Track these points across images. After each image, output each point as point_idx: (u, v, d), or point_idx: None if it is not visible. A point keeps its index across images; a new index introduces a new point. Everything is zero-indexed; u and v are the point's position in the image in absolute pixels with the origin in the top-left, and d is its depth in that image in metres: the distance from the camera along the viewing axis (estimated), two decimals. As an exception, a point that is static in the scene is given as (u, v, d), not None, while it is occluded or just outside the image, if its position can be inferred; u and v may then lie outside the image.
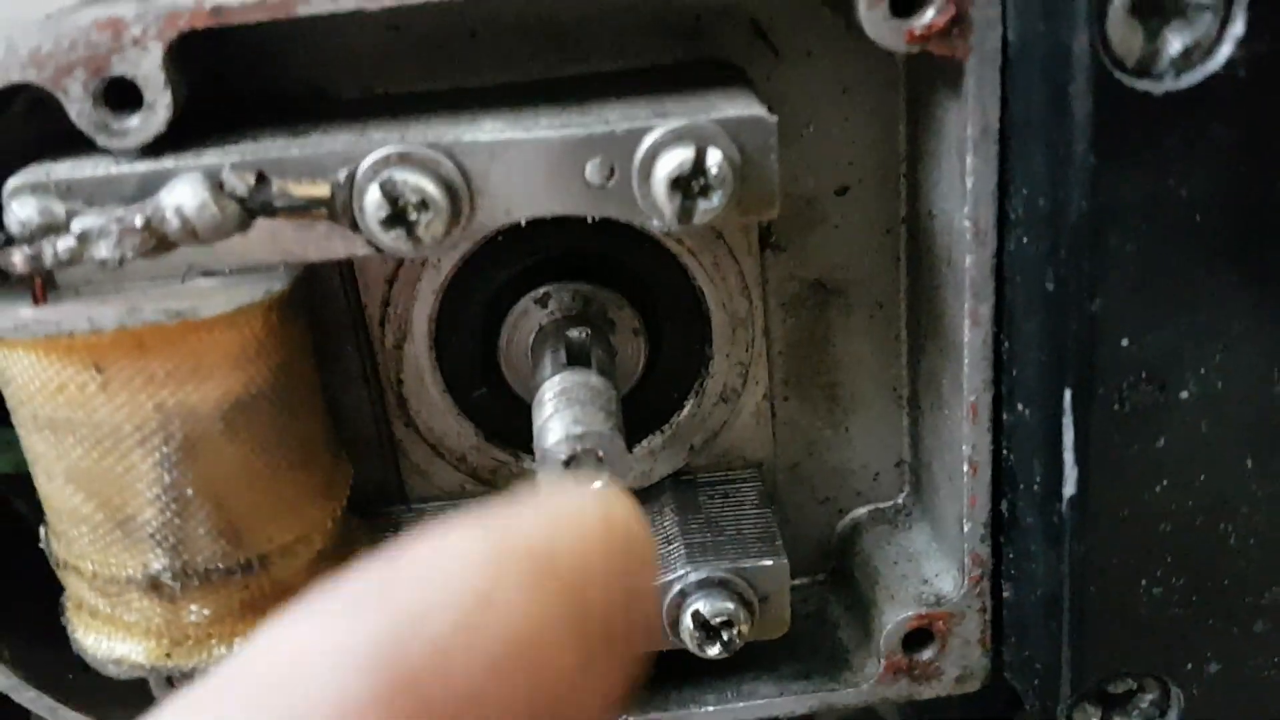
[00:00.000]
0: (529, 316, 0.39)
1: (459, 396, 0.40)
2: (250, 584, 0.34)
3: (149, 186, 0.31)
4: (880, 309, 0.41)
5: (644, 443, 0.41)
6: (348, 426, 0.40)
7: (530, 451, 0.41)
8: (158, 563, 0.33)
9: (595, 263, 0.39)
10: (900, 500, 0.43)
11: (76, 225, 0.30)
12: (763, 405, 0.42)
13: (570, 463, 0.33)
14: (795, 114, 0.37)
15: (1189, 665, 0.35)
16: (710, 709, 0.40)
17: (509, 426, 0.41)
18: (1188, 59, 0.29)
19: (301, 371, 0.35)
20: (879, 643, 0.39)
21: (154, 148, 0.31)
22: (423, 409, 0.40)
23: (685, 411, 0.41)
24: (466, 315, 0.39)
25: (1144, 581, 0.34)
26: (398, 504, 0.43)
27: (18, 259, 0.30)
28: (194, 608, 0.34)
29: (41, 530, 0.36)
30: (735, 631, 0.38)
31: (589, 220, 0.33)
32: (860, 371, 0.42)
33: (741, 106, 0.32)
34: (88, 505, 0.33)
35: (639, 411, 0.40)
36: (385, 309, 0.39)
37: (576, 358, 0.37)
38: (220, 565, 0.33)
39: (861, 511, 0.44)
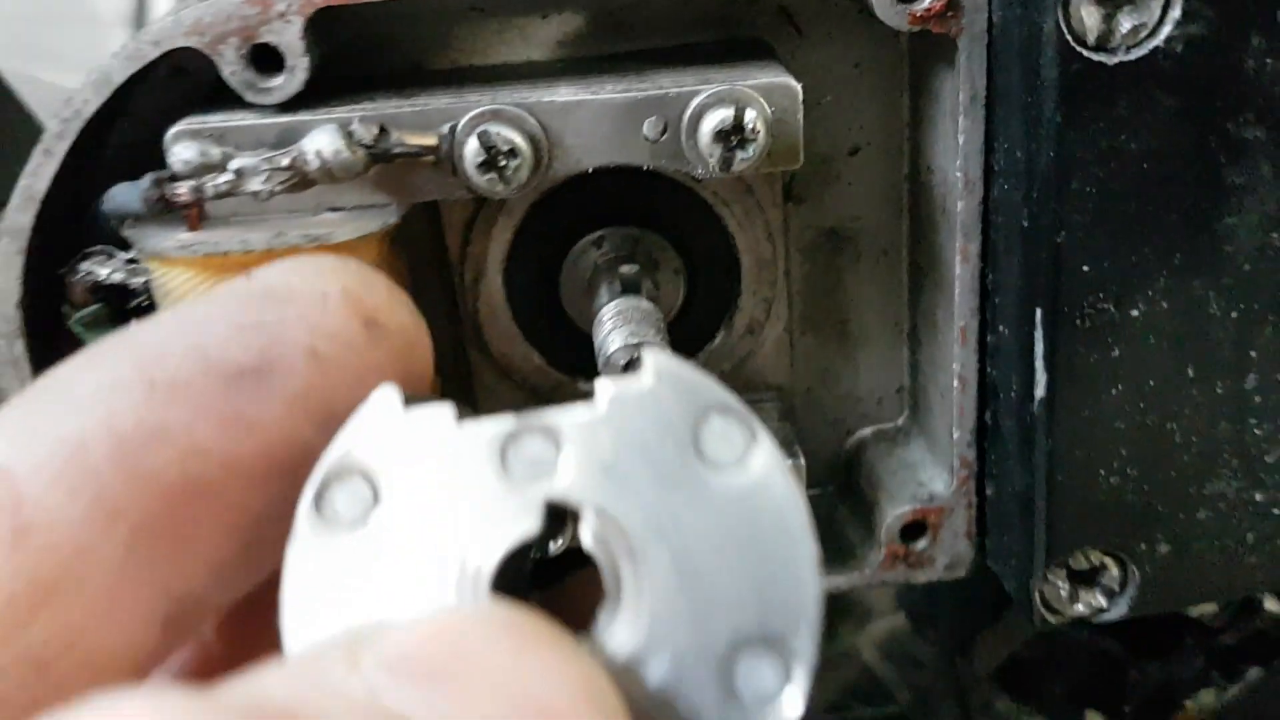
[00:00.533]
0: (586, 256, 0.46)
1: (525, 326, 0.47)
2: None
3: (288, 136, 0.38)
4: (885, 255, 0.48)
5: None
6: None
7: (584, 373, 0.48)
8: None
9: (643, 212, 0.46)
10: (900, 421, 0.50)
11: (233, 164, 0.37)
12: (783, 338, 0.49)
13: (629, 366, 0.40)
14: (815, 85, 0.44)
15: (1142, 546, 0.42)
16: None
17: (568, 352, 0.48)
18: (1136, 36, 0.35)
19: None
20: (880, 535, 0.46)
21: (291, 104, 0.38)
22: (494, 337, 0.47)
23: (716, 341, 0.48)
24: (533, 255, 0.46)
25: (1102, 472, 0.40)
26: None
27: (183, 190, 0.37)
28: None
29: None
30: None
31: (640, 174, 0.40)
32: (867, 309, 0.49)
33: (773, 75, 0.39)
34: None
35: (676, 341, 0.47)
36: (464, 250, 0.46)
37: (629, 289, 0.44)
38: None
39: (866, 431, 0.50)
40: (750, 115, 0.38)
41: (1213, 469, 0.41)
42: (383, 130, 0.37)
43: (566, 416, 0.26)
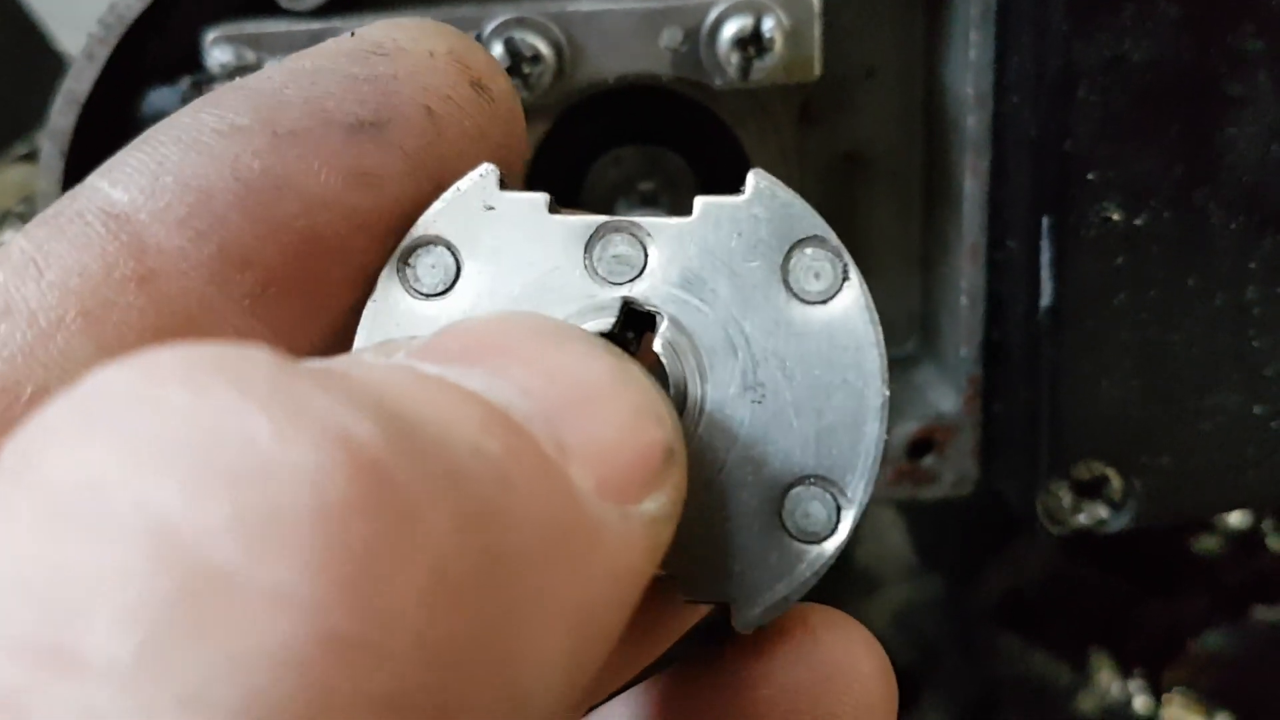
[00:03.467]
0: (606, 173, 0.47)
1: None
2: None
3: (319, 40, 0.39)
4: (899, 180, 0.49)
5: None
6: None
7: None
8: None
9: (661, 131, 0.47)
10: (910, 346, 0.51)
11: (268, 66, 0.38)
12: (797, 260, 0.50)
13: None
14: (832, 4, 0.45)
15: (1144, 457, 0.43)
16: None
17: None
18: (1143, -53, 0.37)
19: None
20: (890, 448, 0.47)
21: (322, 11, 0.40)
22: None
23: (732, 264, 0.49)
24: (555, 172, 0.47)
25: (1105, 383, 0.41)
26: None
27: (222, 93, 0.39)
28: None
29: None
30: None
31: (658, 93, 0.41)
32: (880, 235, 0.50)
33: (792, -12, 0.40)
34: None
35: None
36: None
37: (647, 204, 0.45)
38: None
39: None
40: (768, 24, 0.39)
41: (1213, 381, 0.42)
42: (411, 35, 0.39)
43: (658, 221, 0.26)
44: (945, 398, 0.48)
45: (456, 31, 0.28)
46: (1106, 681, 0.64)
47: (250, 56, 0.39)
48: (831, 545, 0.26)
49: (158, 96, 0.40)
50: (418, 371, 0.21)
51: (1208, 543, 0.62)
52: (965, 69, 0.41)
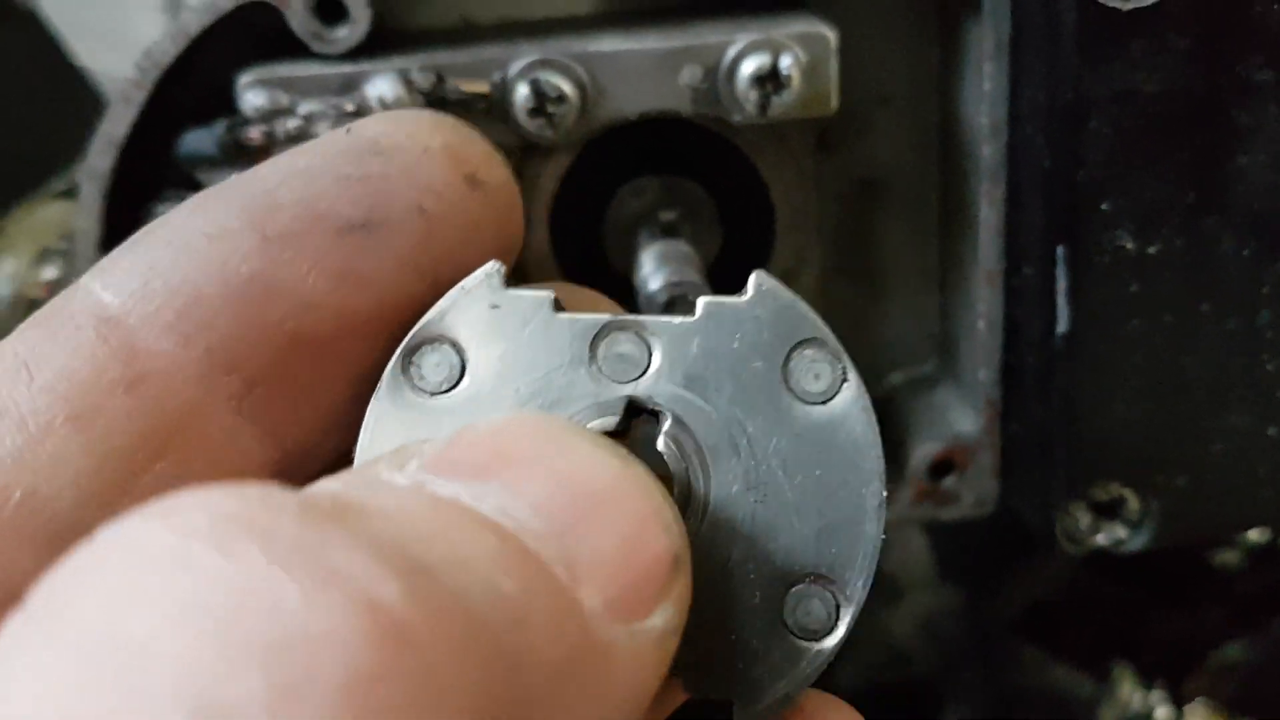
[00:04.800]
0: (628, 203, 0.48)
1: (569, 273, 0.50)
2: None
3: (351, 83, 0.41)
4: (916, 203, 0.50)
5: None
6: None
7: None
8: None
9: (682, 162, 0.48)
10: (929, 368, 0.52)
11: (301, 109, 0.40)
12: (816, 284, 0.51)
13: (669, 306, 0.42)
14: (849, 36, 0.46)
15: (1160, 478, 0.44)
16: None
17: (608, 294, 0.50)
18: (1154, -16, 0.38)
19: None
20: (908, 472, 0.48)
21: (354, 54, 0.41)
22: (541, 278, 0.50)
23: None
24: (576, 205, 0.49)
25: (1120, 405, 0.42)
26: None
27: (254, 134, 0.40)
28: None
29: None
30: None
31: (679, 125, 0.42)
32: (898, 257, 0.51)
33: (807, 23, 0.41)
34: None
35: (715, 286, 0.49)
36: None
37: (669, 233, 0.46)
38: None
39: (898, 376, 0.53)
40: (786, 61, 0.40)
41: (1226, 403, 0.43)
42: (439, 78, 0.40)
43: (662, 320, 0.27)
44: (965, 419, 0.48)
45: (454, 123, 0.28)
46: (1128, 693, 0.65)
47: (283, 100, 0.40)
48: (831, 642, 0.26)
49: (193, 138, 0.41)
50: (433, 497, 0.21)
51: (1227, 556, 0.63)
52: (979, 99, 0.42)
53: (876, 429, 0.26)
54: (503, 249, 0.28)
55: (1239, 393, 0.42)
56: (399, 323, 0.27)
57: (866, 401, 0.26)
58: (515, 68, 0.40)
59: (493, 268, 0.27)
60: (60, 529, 0.24)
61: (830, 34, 0.41)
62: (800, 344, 0.26)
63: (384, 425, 0.26)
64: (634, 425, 0.27)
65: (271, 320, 0.26)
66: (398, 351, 0.26)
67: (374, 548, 0.18)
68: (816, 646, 0.26)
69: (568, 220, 0.49)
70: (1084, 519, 0.45)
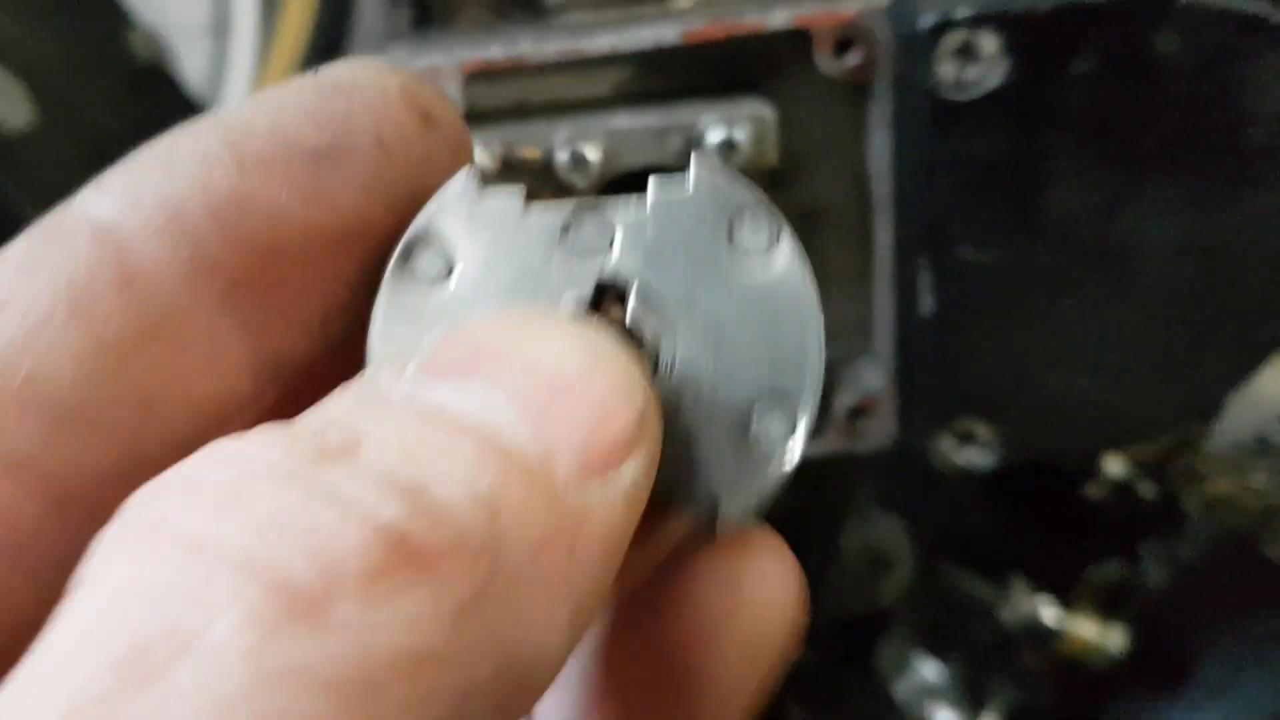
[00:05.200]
0: (635, 227, 0.68)
1: (593, 275, 0.69)
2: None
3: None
4: (843, 227, 0.68)
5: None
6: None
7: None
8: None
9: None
10: (854, 342, 0.72)
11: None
12: (771, 284, 0.70)
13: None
14: (790, 112, 0.65)
15: (1001, 415, 0.63)
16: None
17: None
18: (979, 83, 0.57)
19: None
20: (834, 416, 0.67)
21: (449, 129, 0.61)
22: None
23: (725, 287, 0.70)
24: (599, 227, 0.68)
25: (972, 364, 0.61)
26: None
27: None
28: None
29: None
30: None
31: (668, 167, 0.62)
32: (834, 268, 0.69)
33: (755, 105, 0.61)
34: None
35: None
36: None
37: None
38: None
39: (832, 354, 0.72)
40: (738, 133, 0.59)
41: (1045, 362, 0.62)
42: (508, 148, 0.60)
43: (620, 207, 0.30)
44: (874, 379, 0.68)
45: (410, 71, 0.31)
46: (1021, 598, 0.84)
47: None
48: (791, 451, 0.30)
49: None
50: (422, 414, 0.24)
51: (1093, 490, 0.82)
52: (877, 154, 0.62)
53: (810, 275, 0.31)
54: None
55: (1054, 356, 0.62)
56: (362, 241, 0.30)
57: (801, 252, 0.31)
58: (559, 139, 0.60)
59: (468, 170, 0.30)
60: (61, 403, 0.26)
61: (770, 113, 0.60)
62: (739, 210, 0.30)
63: (389, 316, 0.30)
64: (605, 299, 0.30)
65: (247, 232, 0.28)
66: (395, 252, 0.30)
67: (376, 478, 0.22)
68: (777, 459, 0.30)
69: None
70: (949, 445, 0.64)
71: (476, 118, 0.62)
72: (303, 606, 0.19)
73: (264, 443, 0.23)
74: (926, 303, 0.61)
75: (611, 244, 0.30)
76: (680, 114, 0.61)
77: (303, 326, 0.30)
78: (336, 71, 0.30)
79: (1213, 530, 0.81)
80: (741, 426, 0.30)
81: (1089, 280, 0.60)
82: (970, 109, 0.56)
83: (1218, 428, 1.38)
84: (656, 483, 0.27)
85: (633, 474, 0.25)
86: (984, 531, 0.85)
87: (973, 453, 0.64)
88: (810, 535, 0.98)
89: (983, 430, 0.63)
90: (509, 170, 0.60)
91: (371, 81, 0.30)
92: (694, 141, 0.60)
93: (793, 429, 0.30)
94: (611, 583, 0.26)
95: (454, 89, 0.59)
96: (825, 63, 0.60)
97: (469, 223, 0.29)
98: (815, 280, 0.31)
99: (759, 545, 0.31)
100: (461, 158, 0.32)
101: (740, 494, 0.30)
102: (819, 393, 0.30)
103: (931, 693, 0.88)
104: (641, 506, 0.26)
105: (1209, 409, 0.63)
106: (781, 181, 0.67)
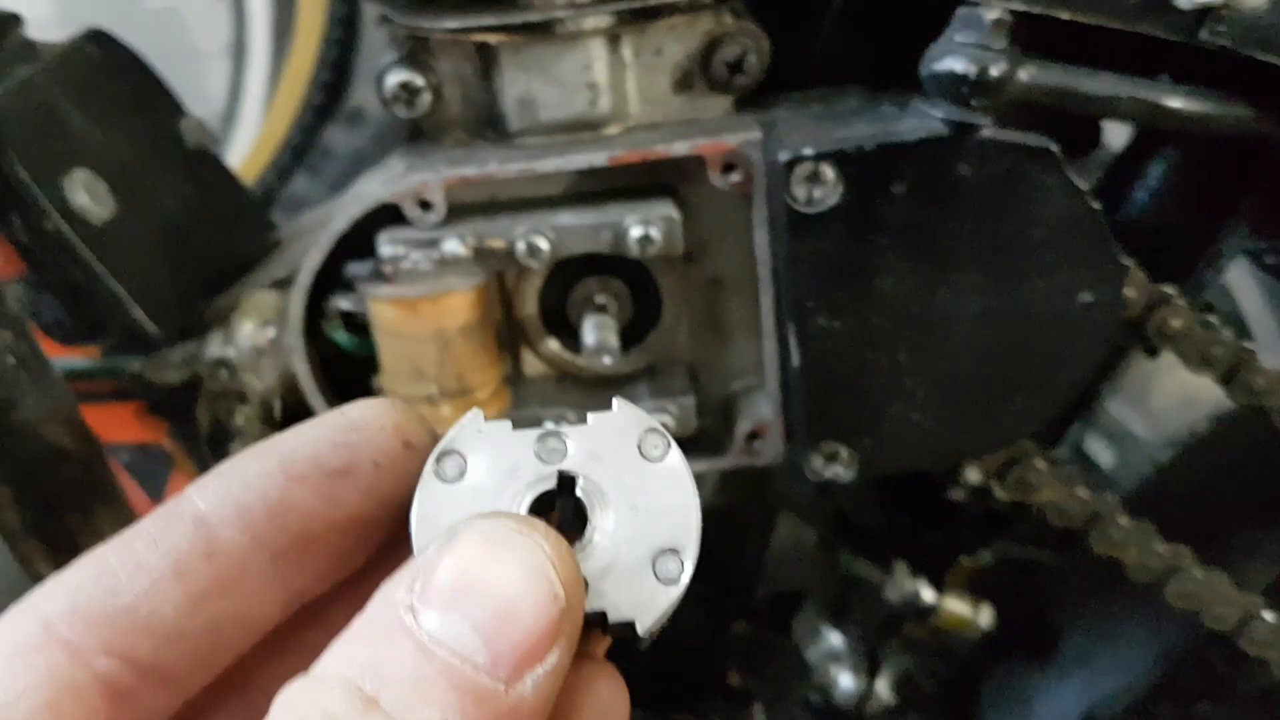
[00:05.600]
0: (579, 291, 0.87)
1: (551, 329, 0.89)
2: (468, 401, 0.83)
3: (434, 241, 0.80)
4: (742, 293, 0.87)
5: (629, 350, 0.90)
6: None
7: (581, 351, 0.89)
8: (431, 389, 0.82)
9: (608, 269, 0.87)
10: (751, 381, 0.91)
11: (412, 256, 0.79)
12: (687, 335, 0.89)
13: (596, 350, 0.81)
14: (696, 211, 0.85)
15: (854, 440, 0.82)
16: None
17: (573, 340, 0.89)
18: (823, 199, 0.76)
19: (489, 317, 0.84)
20: (735, 439, 0.87)
21: (442, 224, 0.80)
22: (534, 336, 0.89)
23: (648, 339, 0.89)
24: (553, 293, 0.87)
25: (833, 400, 0.81)
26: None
27: (388, 268, 0.79)
28: (446, 410, 0.83)
29: (374, 381, 0.85)
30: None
31: (606, 256, 0.81)
32: (735, 323, 0.89)
33: (666, 206, 0.80)
34: (404, 366, 0.82)
35: (626, 336, 0.88)
36: (515, 292, 0.88)
37: (600, 310, 0.85)
38: (454, 389, 0.82)
39: (736, 385, 0.90)
40: (653, 230, 0.79)
41: (886, 400, 0.81)
42: (480, 239, 0.79)
43: (572, 430, 0.42)
44: (766, 410, 0.87)
45: (404, 408, 0.44)
46: (903, 580, 1.03)
47: (401, 250, 0.79)
48: (682, 583, 0.41)
49: (355, 266, 0.81)
50: (420, 647, 0.34)
51: (956, 493, 1.01)
52: (759, 244, 0.81)
53: (689, 471, 0.42)
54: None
55: (892, 394, 0.81)
56: (362, 526, 0.43)
57: (683, 458, 0.42)
58: (518, 231, 0.80)
59: (475, 412, 0.42)
60: (164, 631, 0.39)
61: (676, 214, 0.79)
62: (647, 431, 0.42)
63: (425, 504, 0.41)
64: (562, 487, 0.42)
65: (288, 523, 0.41)
66: (430, 458, 0.41)
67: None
68: (675, 586, 0.41)
69: (547, 302, 0.88)
70: (818, 462, 0.84)
71: (455, 212, 0.81)
72: None
73: (325, 694, 0.34)
74: (795, 357, 0.80)
75: (567, 450, 0.42)
76: (610, 213, 0.80)
77: (318, 577, 0.43)
78: (353, 412, 0.43)
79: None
80: (648, 566, 0.41)
81: (915, 340, 0.79)
82: (817, 219, 0.76)
83: (1149, 426, 1.58)
84: (592, 608, 0.39)
85: (556, 658, 0.36)
86: (872, 525, 1.04)
87: (837, 468, 0.83)
88: (748, 529, 1.18)
89: (843, 451, 0.83)
90: (481, 255, 0.80)
91: (375, 419, 0.43)
92: (621, 236, 0.80)
93: (681, 572, 0.41)
94: None
95: (438, 194, 0.79)
96: (716, 179, 0.80)
97: (476, 441, 0.42)
98: (692, 478, 0.43)
99: (602, 671, 0.42)
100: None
101: (649, 610, 0.41)
102: (698, 544, 0.41)
103: (836, 658, 1.08)
104: (566, 669, 0.36)
105: (1013, 436, 0.83)
106: (692, 258, 0.87)
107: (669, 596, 0.41)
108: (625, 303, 0.87)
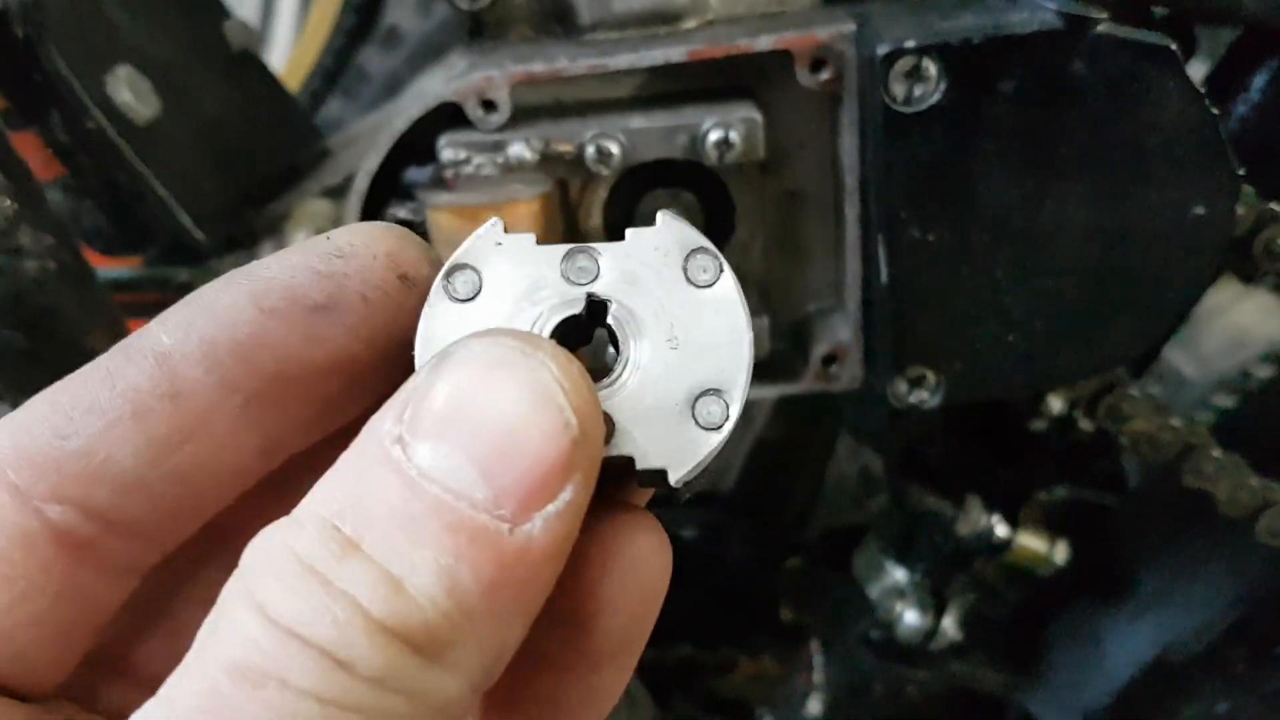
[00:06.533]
0: (647, 203, 0.82)
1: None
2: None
3: (499, 145, 0.74)
4: (820, 206, 0.82)
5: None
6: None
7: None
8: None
9: (680, 180, 0.81)
10: (827, 302, 0.86)
11: (474, 161, 0.74)
12: (761, 254, 0.84)
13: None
14: (775, 112, 0.79)
15: (944, 364, 0.77)
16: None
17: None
18: (924, 97, 0.70)
19: (553, 228, 0.79)
20: (811, 362, 0.82)
21: (500, 129, 0.75)
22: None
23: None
24: (618, 205, 0.82)
25: (920, 321, 0.76)
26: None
27: (449, 174, 0.74)
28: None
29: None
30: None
31: (678, 162, 0.76)
32: (811, 239, 0.84)
33: (747, 109, 0.74)
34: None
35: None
36: (580, 203, 0.82)
37: (673, 223, 0.80)
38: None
39: (811, 306, 0.86)
40: (733, 133, 0.74)
41: (979, 319, 0.76)
42: (546, 143, 0.74)
43: (607, 248, 0.37)
44: (844, 331, 0.82)
45: (401, 233, 0.38)
46: (976, 515, 0.99)
47: (463, 154, 0.74)
48: (724, 430, 0.36)
49: (414, 172, 0.76)
50: (409, 483, 0.31)
51: (1038, 424, 0.96)
52: (846, 151, 0.76)
53: (744, 298, 0.37)
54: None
55: (986, 313, 0.76)
56: (346, 370, 0.37)
57: (737, 283, 0.37)
58: (587, 135, 0.74)
59: (495, 221, 0.37)
60: (123, 478, 0.36)
61: (758, 116, 0.74)
62: (693, 251, 0.37)
63: (432, 324, 0.37)
64: (591, 314, 0.37)
65: (261, 363, 0.36)
66: (440, 273, 0.37)
67: (373, 578, 0.30)
68: (716, 433, 0.37)
69: (612, 216, 0.83)
70: (902, 387, 0.78)
71: (521, 114, 0.76)
72: (329, 664, 0.29)
73: (298, 536, 0.31)
74: (883, 273, 0.75)
75: (598, 271, 0.37)
76: (686, 116, 0.75)
77: (299, 426, 0.38)
78: (341, 239, 0.38)
79: (1142, 461, 0.96)
80: (688, 409, 0.37)
81: (1015, 256, 0.74)
82: (916, 119, 0.70)
83: (1199, 367, 1.52)
84: (621, 452, 0.36)
85: (571, 495, 0.32)
86: (944, 458, 1.00)
87: (922, 393, 0.78)
88: (802, 462, 1.14)
89: (930, 375, 0.78)
90: (546, 161, 0.75)
91: (365, 248, 0.37)
92: (698, 141, 0.74)
93: (726, 418, 0.37)
94: (559, 572, 0.32)
95: (503, 93, 0.74)
96: (803, 77, 0.74)
97: (494, 256, 0.37)
98: (745, 308, 0.38)
99: (641, 522, 0.38)
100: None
101: (684, 459, 0.36)
102: (747, 388, 0.37)
103: (900, 594, 1.04)
104: (583, 512, 0.32)
105: (1113, 361, 0.78)
106: (769, 169, 0.82)
107: (708, 445, 0.36)
108: (696, 217, 0.82)
